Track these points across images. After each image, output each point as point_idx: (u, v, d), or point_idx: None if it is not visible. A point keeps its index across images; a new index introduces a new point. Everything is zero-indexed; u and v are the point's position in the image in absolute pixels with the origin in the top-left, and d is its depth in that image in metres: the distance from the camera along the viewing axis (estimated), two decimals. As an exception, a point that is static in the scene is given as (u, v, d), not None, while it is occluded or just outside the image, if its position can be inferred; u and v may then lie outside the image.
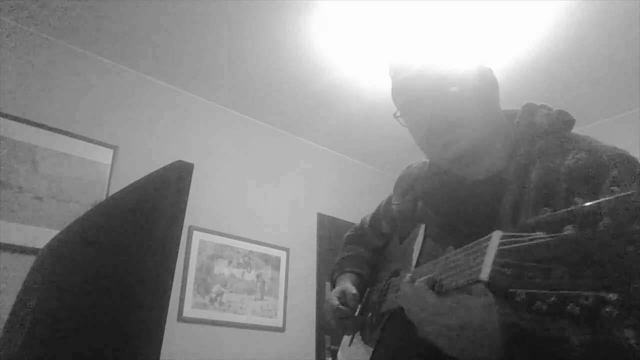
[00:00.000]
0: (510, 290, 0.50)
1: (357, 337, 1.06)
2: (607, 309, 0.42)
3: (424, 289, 0.63)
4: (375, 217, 1.22)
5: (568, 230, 0.45)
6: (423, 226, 0.92)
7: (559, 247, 0.45)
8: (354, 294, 1.03)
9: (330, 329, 3.27)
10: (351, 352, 1.06)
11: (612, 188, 0.44)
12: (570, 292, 0.44)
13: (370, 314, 1.01)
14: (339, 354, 1.15)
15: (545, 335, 0.57)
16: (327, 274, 3.39)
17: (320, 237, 3.56)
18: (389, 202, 1.16)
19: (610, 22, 2.48)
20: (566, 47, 2.68)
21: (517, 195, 0.75)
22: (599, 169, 0.68)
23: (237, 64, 2.88)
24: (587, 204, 0.45)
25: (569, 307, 0.45)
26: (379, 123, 3.31)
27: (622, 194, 0.42)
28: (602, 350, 0.55)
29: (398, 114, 0.91)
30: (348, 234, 1.31)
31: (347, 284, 1.09)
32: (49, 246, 0.94)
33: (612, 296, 0.42)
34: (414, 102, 0.85)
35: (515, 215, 0.73)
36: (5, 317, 0.95)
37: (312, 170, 3.75)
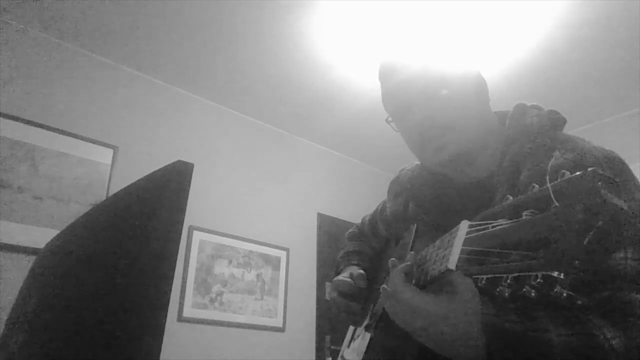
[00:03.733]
0: (474, 276, 0.51)
1: (358, 337, 1.06)
2: (556, 289, 0.44)
3: (401, 284, 0.63)
4: (373, 220, 1.22)
5: (526, 215, 0.47)
6: (414, 226, 0.92)
7: (517, 232, 0.47)
8: (361, 273, 1.02)
9: (330, 328, 3.27)
10: (351, 351, 1.06)
11: (563, 171, 0.45)
12: (524, 273, 0.46)
13: (368, 314, 1.01)
14: (343, 351, 1.15)
15: (526, 335, 0.57)
16: (327, 274, 3.40)
17: (320, 237, 3.56)
18: (384, 206, 1.16)
19: (610, 22, 2.48)
20: (566, 47, 2.68)
21: (507, 197, 0.75)
22: (584, 168, 0.68)
23: (237, 64, 2.89)
24: (539, 188, 0.47)
25: (524, 290, 0.46)
26: (379, 123, 3.28)
27: (570, 176, 0.44)
28: (582, 351, 0.56)
29: (390, 119, 0.91)
30: (350, 231, 1.31)
31: (354, 269, 1.08)
32: (49, 246, 0.94)
33: (558, 274, 0.44)
34: (405, 107, 0.86)
35: None
36: (5, 317, 0.95)
37: (312, 170, 3.75)
